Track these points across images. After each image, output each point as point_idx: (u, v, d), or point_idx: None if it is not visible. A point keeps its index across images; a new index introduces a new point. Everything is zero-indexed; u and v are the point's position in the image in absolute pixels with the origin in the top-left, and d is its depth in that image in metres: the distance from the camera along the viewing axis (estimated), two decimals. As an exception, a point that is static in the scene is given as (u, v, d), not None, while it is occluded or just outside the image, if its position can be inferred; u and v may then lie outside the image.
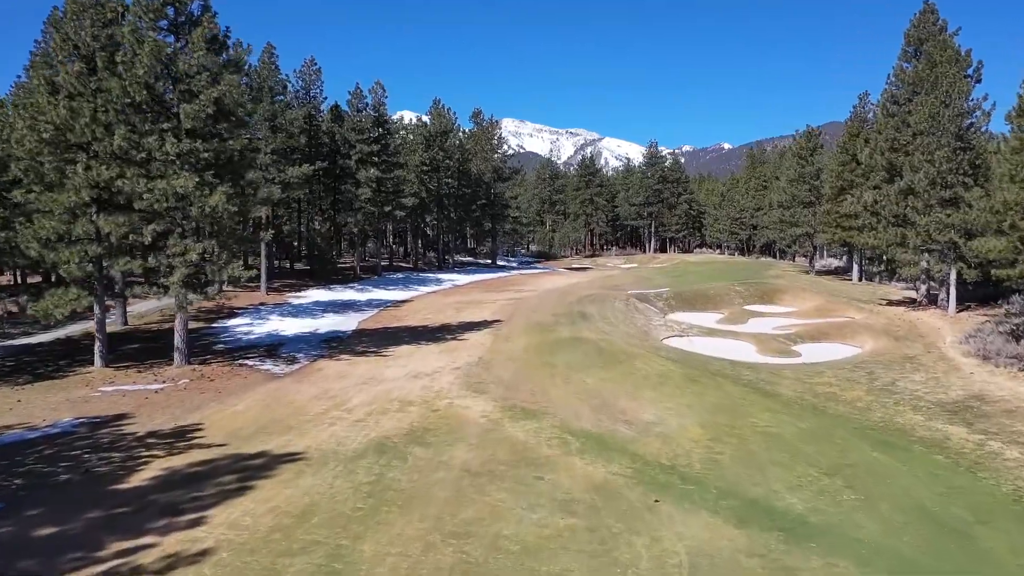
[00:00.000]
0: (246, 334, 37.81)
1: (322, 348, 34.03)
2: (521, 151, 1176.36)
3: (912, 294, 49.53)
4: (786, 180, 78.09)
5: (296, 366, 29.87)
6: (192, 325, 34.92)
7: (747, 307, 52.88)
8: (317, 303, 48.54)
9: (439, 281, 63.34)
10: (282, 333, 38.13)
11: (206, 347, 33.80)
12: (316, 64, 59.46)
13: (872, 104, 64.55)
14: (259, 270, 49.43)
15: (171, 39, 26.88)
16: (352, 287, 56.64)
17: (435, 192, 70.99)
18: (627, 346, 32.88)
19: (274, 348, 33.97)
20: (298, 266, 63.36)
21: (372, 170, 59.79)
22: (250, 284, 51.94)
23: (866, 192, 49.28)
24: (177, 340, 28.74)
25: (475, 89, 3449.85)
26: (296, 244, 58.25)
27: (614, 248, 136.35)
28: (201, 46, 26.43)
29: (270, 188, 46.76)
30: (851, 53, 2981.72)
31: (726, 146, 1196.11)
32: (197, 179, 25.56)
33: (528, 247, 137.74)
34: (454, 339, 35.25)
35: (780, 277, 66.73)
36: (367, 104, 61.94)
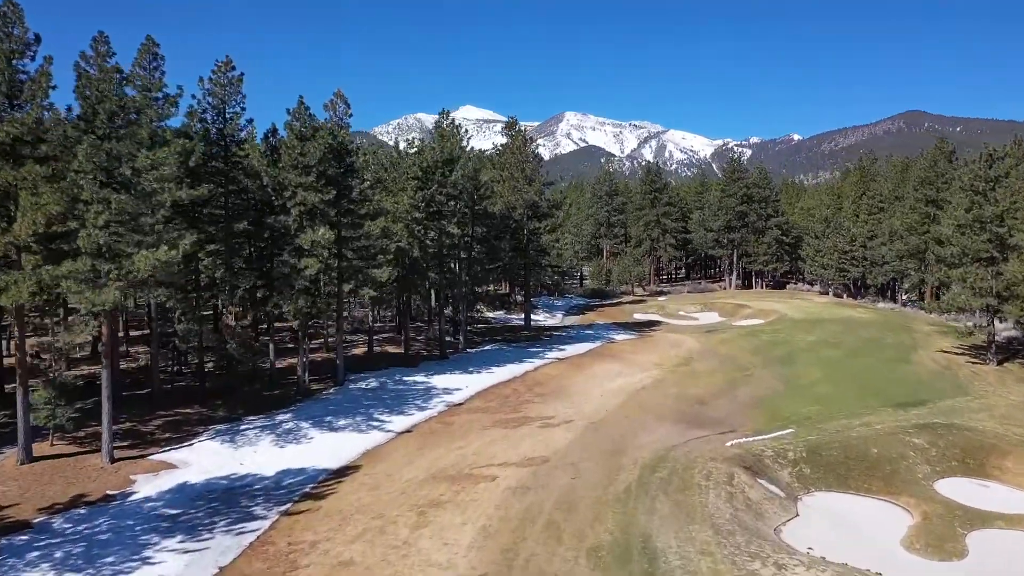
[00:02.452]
0: None
1: None
2: (583, 144, 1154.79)
3: None
4: (951, 225, 53.61)
5: None
6: None
7: (947, 492, 29.63)
8: (178, 495, 27.28)
9: (428, 395, 41.52)
10: None
11: None
12: (234, 68, 38.24)
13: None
14: (102, 415, 28.52)
15: None
16: (278, 424, 35.38)
17: (436, 246, 49.08)
18: None
19: None
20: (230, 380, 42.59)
21: (323, 229, 38.40)
22: (84, 441, 31.11)
23: None
24: None
25: (537, 82, 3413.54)
26: (197, 348, 37.48)
27: (687, 284, 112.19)
28: None
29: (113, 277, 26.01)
30: (929, 36, 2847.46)
31: (796, 137, 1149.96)
32: None
33: (581, 280, 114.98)
34: None
35: (972, 392, 42.67)
36: (319, 127, 40.49)
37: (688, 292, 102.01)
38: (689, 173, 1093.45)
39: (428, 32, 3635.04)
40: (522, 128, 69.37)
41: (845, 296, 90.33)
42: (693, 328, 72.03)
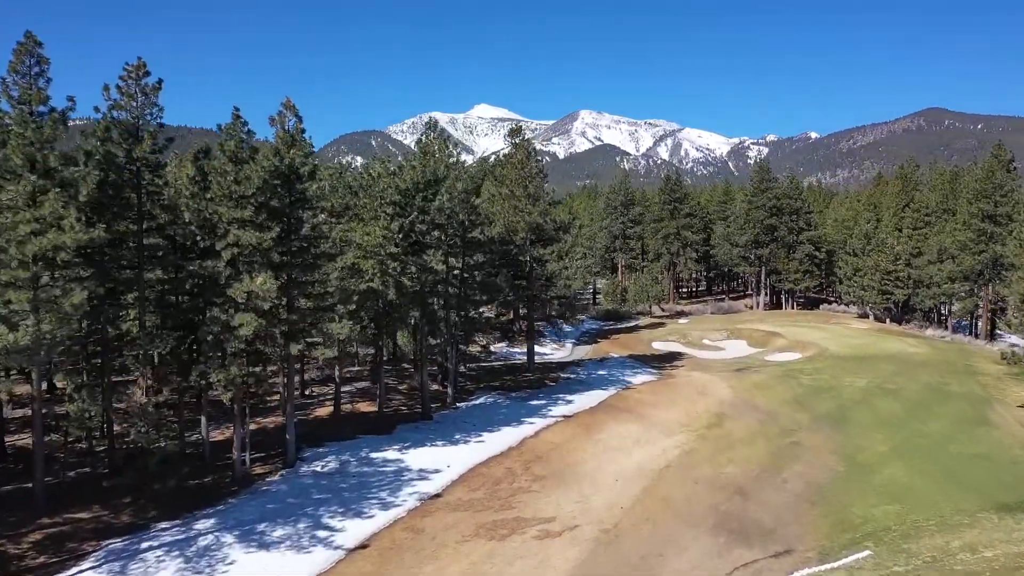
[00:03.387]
0: None
1: None
2: (598, 143, 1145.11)
3: None
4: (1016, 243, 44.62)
5: None
6: None
7: None
8: None
9: (398, 481, 33.06)
10: None
11: None
12: (148, 74, 29.75)
13: None
14: None
15: None
16: (193, 539, 27.11)
17: (416, 284, 40.55)
18: None
19: None
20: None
21: (262, 277, 30.07)
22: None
23: None
24: None
25: (552, 80, 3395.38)
26: (100, 435, 29.22)
27: (709, 301, 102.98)
28: None
29: None
30: (951, 30, 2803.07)
31: (813, 135, 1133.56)
32: None
33: (594, 296, 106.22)
34: None
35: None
36: (259, 147, 32.20)
37: (711, 313, 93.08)
38: (705, 172, 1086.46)
39: (442, 30, 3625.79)
40: (528, 135, 60.92)
41: (887, 321, 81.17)
42: (720, 364, 63.27)
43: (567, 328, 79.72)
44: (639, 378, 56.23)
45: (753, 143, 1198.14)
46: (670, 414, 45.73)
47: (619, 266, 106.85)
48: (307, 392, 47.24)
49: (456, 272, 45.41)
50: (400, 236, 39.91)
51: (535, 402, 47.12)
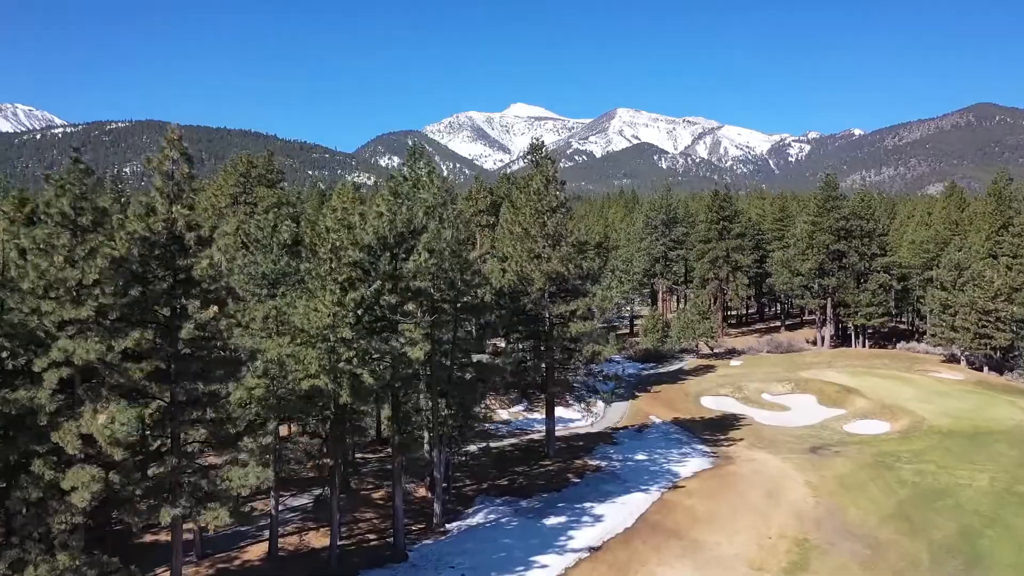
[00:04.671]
0: None
1: None
2: (636, 141, 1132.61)
3: None
4: None
5: None
6: None
7: None
8: None
9: None
10: None
11: None
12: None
13: None
14: None
15: None
16: None
17: (380, 379, 28.92)
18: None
19: None
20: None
21: (113, 408, 18.87)
22: None
23: None
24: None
25: (589, 78, 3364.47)
26: None
27: (762, 332, 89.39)
28: None
29: None
30: (999, 21, 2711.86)
31: (856, 132, 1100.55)
32: None
33: (631, 324, 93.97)
34: None
35: None
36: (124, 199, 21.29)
37: (768, 351, 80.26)
38: (745, 170, 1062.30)
39: (478, 29, 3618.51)
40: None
41: (985, 369, 67.69)
42: (788, 436, 50.90)
43: (599, 388, 67.91)
44: (688, 465, 44.14)
45: (794, 140, 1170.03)
46: (733, 543, 33.60)
47: (659, 292, 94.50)
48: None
49: (446, 350, 33.80)
50: (360, 312, 28.42)
51: (552, 520, 35.28)
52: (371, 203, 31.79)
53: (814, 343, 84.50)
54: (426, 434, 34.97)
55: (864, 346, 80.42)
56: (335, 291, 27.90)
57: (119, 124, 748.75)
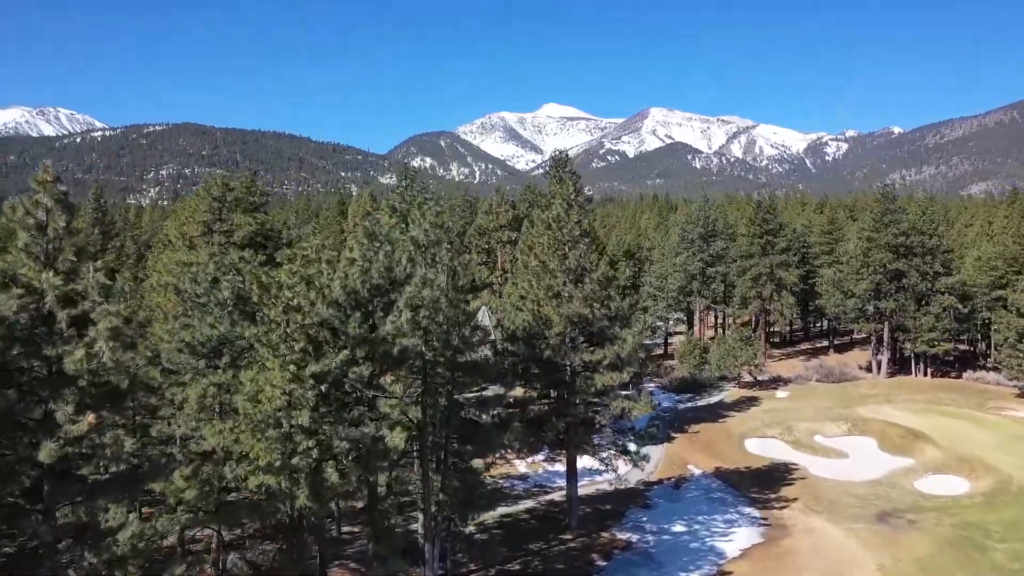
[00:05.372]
0: None
1: None
2: (669, 141, 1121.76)
3: None
4: None
5: None
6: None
7: None
8: None
9: None
10: None
11: None
12: None
13: None
14: None
15: None
16: None
17: (344, 479, 22.84)
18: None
19: None
20: None
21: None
22: None
23: None
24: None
25: (622, 78, 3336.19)
26: None
27: (808, 355, 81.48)
28: None
29: None
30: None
31: (896, 130, 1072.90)
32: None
33: (665, 343, 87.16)
34: None
35: None
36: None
37: (817, 380, 72.92)
38: (780, 169, 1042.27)
39: (510, 28, 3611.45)
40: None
41: (1071, 407, 59.73)
42: (850, 496, 43.80)
43: (630, 432, 61.18)
44: (735, 539, 37.50)
45: (831, 139, 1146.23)
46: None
47: (696, 312, 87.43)
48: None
49: (442, 410, 27.62)
50: (323, 388, 22.35)
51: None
52: (351, 241, 25.62)
53: (868, 370, 76.89)
54: (419, 515, 28.88)
55: (925, 374, 72.69)
56: (291, 363, 21.84)
57: (156, 127, 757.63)
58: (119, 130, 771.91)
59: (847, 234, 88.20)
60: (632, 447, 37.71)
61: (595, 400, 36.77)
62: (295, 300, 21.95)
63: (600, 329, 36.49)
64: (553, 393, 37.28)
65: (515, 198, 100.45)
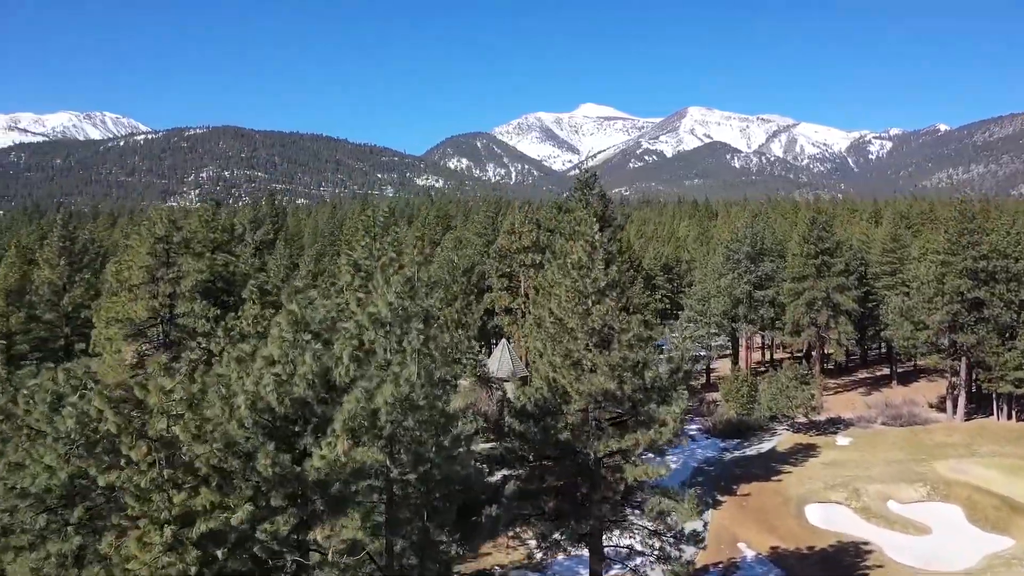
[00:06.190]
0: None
1: None
2: (708, 140, 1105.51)
3: None
4: None
5: None
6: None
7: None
8: None
9: None
10: None
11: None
12: None
13: None
14: None
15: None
16: None
17: None
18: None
19: None
20: None
21: None
22: None
23: None
24: None
25: (660, 77, 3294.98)
26: None
27: (867, 387, 72.01)
28: None
29: None
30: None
31: (942, 128, 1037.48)
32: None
33: (707, 372, 78.81)
34: None
35: None
36: None
37: (883, 423, 64.13)
38: (822, 168, 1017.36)
39: (546, 26, 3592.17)
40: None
41: None
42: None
43: (670, 459, 53.19)
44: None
45: (875, 137, 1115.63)
46: None
47: (741, 340, 78.96)
48: None
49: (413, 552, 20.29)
50: (220, 556, 15.14)
51: None
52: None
53: (940, 408, 67.83)
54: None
55: (1010, 417, 63.49)
56: (165, 525, 14.69)
57: (197, 130, 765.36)
58: (161, 133, 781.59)
59: (912, 252, 78.98)
60: (674, 553, 29.80)
61: (624, 499, 29.08)
62: (169, 435, 14.77)
63: (633, 403, 28.77)
64: (573, 486, 29.66)
65: (550, 200, 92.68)
